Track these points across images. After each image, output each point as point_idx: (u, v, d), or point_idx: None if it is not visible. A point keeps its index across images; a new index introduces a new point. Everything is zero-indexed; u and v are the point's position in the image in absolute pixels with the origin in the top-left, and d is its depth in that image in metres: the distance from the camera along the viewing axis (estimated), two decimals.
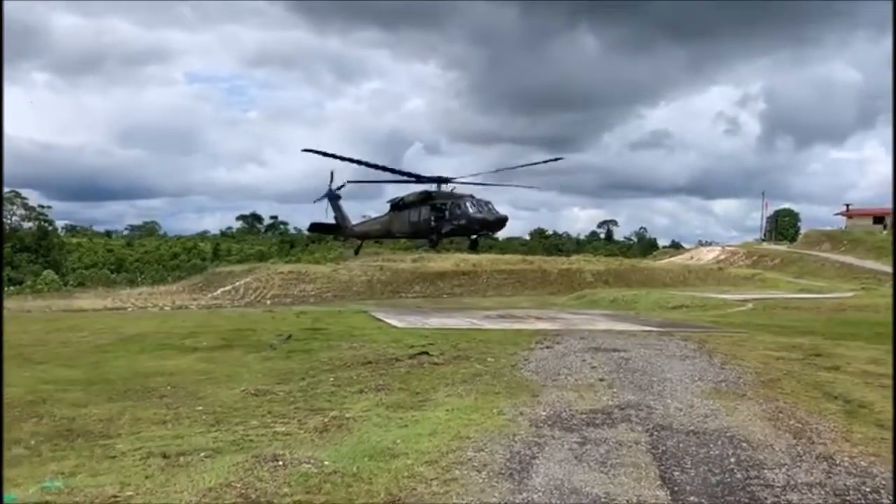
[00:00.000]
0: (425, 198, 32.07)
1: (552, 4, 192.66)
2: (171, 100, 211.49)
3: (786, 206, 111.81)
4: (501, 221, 31.63)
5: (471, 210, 29.99)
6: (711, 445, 6.83)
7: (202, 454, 6.88)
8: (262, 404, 10.14)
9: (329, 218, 41.29)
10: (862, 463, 6.40)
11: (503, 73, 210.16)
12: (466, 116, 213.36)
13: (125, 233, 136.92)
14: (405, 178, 32.44)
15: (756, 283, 59.89)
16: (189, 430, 8.48)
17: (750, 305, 34.20)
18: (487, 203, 30.69)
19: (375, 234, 38.85)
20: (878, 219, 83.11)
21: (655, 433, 7.25)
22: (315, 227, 47.08)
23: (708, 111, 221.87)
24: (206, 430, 8.36)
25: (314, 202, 43.72)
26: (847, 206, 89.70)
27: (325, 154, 31.08)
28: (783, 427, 7.70)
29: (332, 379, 11.85)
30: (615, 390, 9.98)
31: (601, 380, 10.87)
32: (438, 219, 30.79)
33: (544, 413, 8.20)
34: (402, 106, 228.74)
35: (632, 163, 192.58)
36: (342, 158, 31.72)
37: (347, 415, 8.69)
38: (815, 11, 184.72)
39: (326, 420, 8.41)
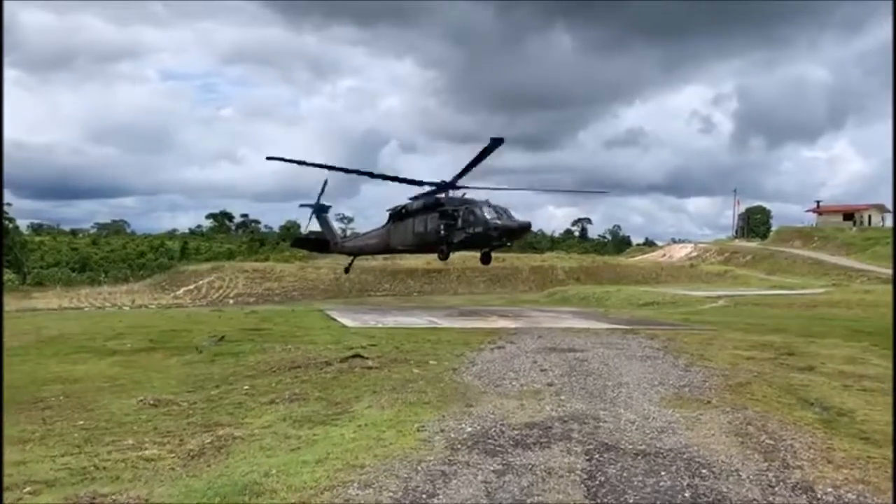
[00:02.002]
0: (433, 204, 27.68)
1: (529, 4, 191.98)
2: (144, 97, 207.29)
3: (758, 203, 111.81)
4: (524, 228, 27.54)
5: (488, 216, 25.76)
6: (663, 472, 5.51)
7: (27, 489, 5.44)
8: (154, 418, 8.70)
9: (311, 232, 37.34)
10: (849, 495, 5.12)
11: (480, 71, 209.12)
12: (444, 115, 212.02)
13: (92, 231, 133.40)
14: (402, 183, 28.16)
15: (728, 279, 59.37)
16: (46, 452, 7.01)
17: (721, 302, 33.26)
18: (505, 209, 26.51)
19: (371, 250, 33.31)
20: (848, 216, 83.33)
21: (596, 456, 5.92)
22: (299, 243, 42.77)
23: (682, 110, 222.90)
24: (65, 453, 6.89)
25: (306, 226, 39.79)
26: (818, 203, 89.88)
27: (303, 165, 27.17)
28: (752, 444, 6.42)
29: (247, 387, 10.42)
30: (563, 398, 8.68)
31: (549, 385, 9.56)
32: (449, 227, 26.41)
33: (470, 429, 6.84)
34: (379, 104, 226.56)
35: (607, 161, 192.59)
36: (337, 169, 28.33)
37: (239, 433, 7.28)
38: (787, 12, 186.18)
39: (211, 440, 6.99)
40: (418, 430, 6.83)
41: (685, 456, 5.98)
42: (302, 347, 14.24)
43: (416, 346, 13.96)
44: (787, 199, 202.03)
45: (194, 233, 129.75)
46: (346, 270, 39.24)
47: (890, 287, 47.71)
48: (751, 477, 5.43)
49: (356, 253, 35.06)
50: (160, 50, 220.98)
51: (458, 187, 27.66)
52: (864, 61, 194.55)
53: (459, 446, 6.14)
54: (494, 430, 6.76)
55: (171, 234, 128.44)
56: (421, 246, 29.52)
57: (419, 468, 5.48)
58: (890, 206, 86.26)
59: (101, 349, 15.77)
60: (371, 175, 29.29)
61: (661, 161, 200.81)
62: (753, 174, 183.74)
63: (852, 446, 6.56)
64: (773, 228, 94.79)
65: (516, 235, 27.27)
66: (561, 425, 7.06)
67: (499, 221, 25.73)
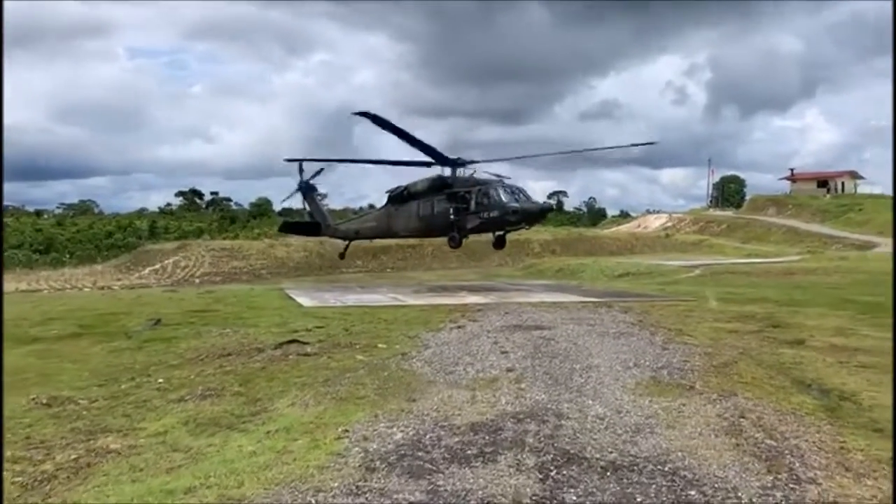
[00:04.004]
0: (440, 185, 25.16)
1: None
2: (112, 75, 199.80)
3: (731, 173, 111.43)
4: (545, 211, 25.35)
5: (505, 199, 23.48)
6: (639, 497, 4.24)
7: None
8: (37, 422, 7.29)
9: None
10: None
11: (454, 44, 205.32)
12: (418, 89, 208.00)
13: (58, 211, 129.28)
14: (422, 152, 24.78)
15: (703, 249, 58.81)
16: None
17: (697, 272, 32.38)
18: (521, 189, 24.25)
19: (369, 233, 30.26)
20: (822, 183, 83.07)
21: (554, 472, 4.63)
22: (288, 228, 40.09)
23: (656, 81, 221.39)
24: None
25: (283, 201, 37.13)
26: (792, 170, 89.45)
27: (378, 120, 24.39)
28: (749, 447, 5.17)
29: (161, 380, 9.02)
30: (522, 386, 7.40)
31: (509, 370, 8.28)
32: (460, 211, 23.99)
33: (400, 435, 5.51)
34: (352, 78, 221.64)
35: (582, 134, 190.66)
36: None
37: (121, 443, 5.90)
38: None
39: (77, 455, 5.61)
40: (338, 438, 5.49)
41: (667, 468, 4.71)
42: (241, 331, 12.82)
43: (367, 328, 12.62)
44: (760, 168, 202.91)
45: (164, 211, 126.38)
46: (342, 256, 36.48)
47: (865, 253, 47.56)
48: (754, 499, 4.17)
49: (351, 237, 32.41)
50: (126, 27, 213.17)
51: (465, 163, 25.53)
52: (834, 31, 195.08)
53: (379, 463, 4.80)
54: (431, 437, 5.43)
55: (141, 214, 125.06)
56: (427, 231, 27.02)
57: (313, 502, 4.14)
58: (863, 172, 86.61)
59: (23, 337, 14.19)
60: (390, 164, 26.54)
61: (635, 132, 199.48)
62: (727, 144, 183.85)
63: (868, 443, 5.36)
64: (747, 197, 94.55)
65: (536, 219, 25.19)
66: (514, 425, 5.75)
67: (517, 204, 23.44)
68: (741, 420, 5.92)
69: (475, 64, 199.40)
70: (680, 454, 4.99)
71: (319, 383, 7.96)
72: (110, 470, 5.10)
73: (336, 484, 4.42)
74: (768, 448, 5.14)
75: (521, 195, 24.03)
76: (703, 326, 12.51)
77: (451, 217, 24.26)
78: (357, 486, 4.38)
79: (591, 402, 6.67)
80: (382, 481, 4.47)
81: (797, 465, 4.77)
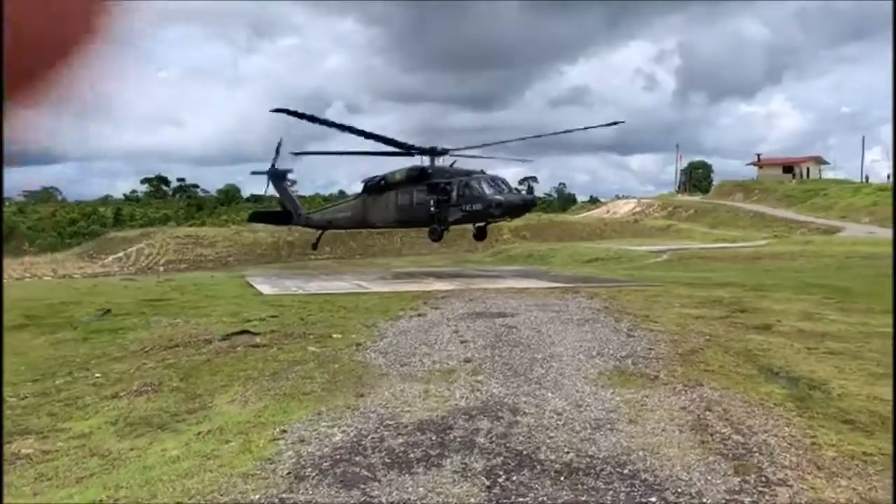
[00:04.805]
0: (419, 175, 24.47)
1: None
2: None
3: (699, 159, 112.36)
4: (528, 204, 24.77)
5: (488, 191, 22.75)
6: None
7: None
8: None
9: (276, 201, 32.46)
10: None
11: (426, 29, 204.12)
12: (389, 74, 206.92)
13: (19, 199, 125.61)
14: (391, 147, 24.57)
15: (671, 234, 59.06)
16: None
17: (665, 256, 32.35)
18: (504, 180, 23.84)
19: (343, 224, 29.29)
20: (788, 168, 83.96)
21: (503, 478, 4.22)
22: (258, 218, 38.43)
23: (626, 67, 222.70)
24: None
25: (252, 173, 35.61)
26: (758, 156, 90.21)
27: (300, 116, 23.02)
28: (716, 444, 4.82)
29: (99, 375, 8.45)
30: (480, 378, 7.00)
31: (467, 361, 7.88)
32: (441, 203, 23.32)
33: (340, 436, 5.06)
34: (322, 63, 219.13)
35: (553, 120, 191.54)
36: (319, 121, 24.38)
37: (36, 447, 5.36)
38: None
39: None
40: (272, 440, 5.02)
41: (627, 470, 4.33)
42: (192, 321, 12.24)
43: (324, 317, 12.13)
44: (727, 154, 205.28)
45: (129, 199, 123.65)
46: (314, 246, 35.23)
47: (829, 238, 48.12)
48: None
49: (324, 227, 31.06)
50: None
51: (444, 152, 24.55)
52: (800, 17, 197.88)
53: (310, 471, 4.34)
54: (373, 438, 4.98)
55: (105, 201, 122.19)
56: (405, 222, 26.23)
57: None
58: (827, 158, 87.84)
59: None
60: (375, 137, 25.56)
61: (605, 119, 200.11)
62: (694, 130, 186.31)
63: (840, 438, 5.05)
64: (715, 182, 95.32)
65: (520, 212, 24.62)
66: (465, 423, 5.34)
67: (500, 197, 22.75)
68: (707, 413, 5.58)
69: (447, 50, 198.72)
70: (641, 453, 4.62)
71: (265, 377, 7.47)
72: (14, 481, 4.57)
73: (258, 496, 3.94)
74: (735, 445, 4.79)
75: (505, 187, 23.43)
76: (670, 312, 12.26)
77: (432, 209, 23.49)
78: (280, 499, 3.91)
79: (550, 395, 6.28)
80: (310, 492, 4.00)
81: (766, 464, 4.42)
